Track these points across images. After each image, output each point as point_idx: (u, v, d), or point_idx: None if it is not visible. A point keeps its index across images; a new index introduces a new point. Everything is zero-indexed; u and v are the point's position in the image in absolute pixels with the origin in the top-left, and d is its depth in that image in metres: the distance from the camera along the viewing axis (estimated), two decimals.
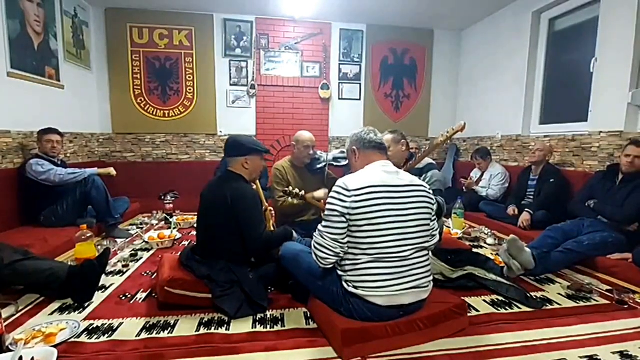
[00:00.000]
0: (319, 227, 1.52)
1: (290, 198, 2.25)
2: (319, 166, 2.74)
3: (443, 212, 2.21)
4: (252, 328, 1.62)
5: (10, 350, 1.37)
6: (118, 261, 2.45)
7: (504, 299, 1.95)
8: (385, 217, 1.42)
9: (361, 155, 1.62)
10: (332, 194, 1.48)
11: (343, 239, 1.45)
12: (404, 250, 1.45)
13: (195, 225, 3.32)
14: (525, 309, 1.85)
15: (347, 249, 1.46)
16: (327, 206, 1.48)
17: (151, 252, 2.69)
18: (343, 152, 4.77)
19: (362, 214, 1.41)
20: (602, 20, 3.08)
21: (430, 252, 1.59)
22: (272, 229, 2.20)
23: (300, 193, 2.23)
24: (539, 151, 3.24)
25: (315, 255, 1.51)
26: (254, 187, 2.07)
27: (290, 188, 2.25)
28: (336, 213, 1.43)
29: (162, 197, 3.99)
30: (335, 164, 3.40)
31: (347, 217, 1.42)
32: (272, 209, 2.45)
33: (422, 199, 1.52)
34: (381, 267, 1.43)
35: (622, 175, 2.50)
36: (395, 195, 1.46)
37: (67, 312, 1.75)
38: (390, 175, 1.51)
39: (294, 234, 2.03)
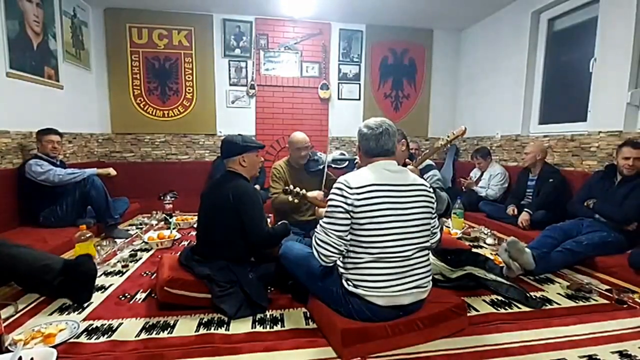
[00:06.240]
0: (321, 222, 1.50)
1: (290, 197, 2.26)
2: (318, 167, 2.74)
3: (450, 209, 2.20)
4: (252, 328, 1.62)
5: (10, 351, 1.36)
6: (117, 261, 2.45)
7: (503, 299, 1.95)
8: (387, 217, 1.42)
9: (363, 159, 1.60)
10: (334, 190, 1.47)
11: (346, 235, 1.44)
12: (406, 250, 1.45)
13: (194, 225, 3.32)
14: (524, 308, 1.85)
15: (349, 246, 1.46)
16: (330, 202, 1.47)
17: (151, 253, 2.69)
18: (343, 154, 4.80)
19: (364, 212, 1.41)
20: (601, 20, 3.08)
21: (430, 252, 1.59)
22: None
23: (302, 192, 2.23)
24: (527, 154, 3.28)
25: (317, 252, 1.49)
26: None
27: (292, 186, 2.25)
28: (340, 209, 1.42)
29: (162, 197, 4.00)
30: (334, 165, 3.37)
31: (351, 214, 1.41)
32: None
33: (423, 198, 1.51)
34: (382, 267, 1.43)
35: (620, 176, 2.50)
36: (397, 194, 1.45)
37: (66, 313, 1.75)
38: (393, 174, 1.50)
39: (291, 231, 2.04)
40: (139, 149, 4.70)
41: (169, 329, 1.61)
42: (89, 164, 3.81)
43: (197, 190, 2.04)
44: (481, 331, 1.61)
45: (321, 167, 2.73)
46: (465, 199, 3.64)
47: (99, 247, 2.50)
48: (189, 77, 4.66)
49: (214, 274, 1.76)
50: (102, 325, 1.64)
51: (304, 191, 2.24)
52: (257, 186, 3.77)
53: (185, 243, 2.94)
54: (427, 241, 1.53)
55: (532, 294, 2.01)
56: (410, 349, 1.46)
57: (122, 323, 1.66)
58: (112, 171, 3.15)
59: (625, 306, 1.88)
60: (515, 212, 3.18)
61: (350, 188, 1.42)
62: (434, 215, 1.59)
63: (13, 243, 1.96)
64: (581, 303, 1.94)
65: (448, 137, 2.18)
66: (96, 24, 4.40)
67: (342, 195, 1.43)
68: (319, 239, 1.48)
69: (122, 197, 3.50)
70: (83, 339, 1.51)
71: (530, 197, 3.28)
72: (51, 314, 1.74)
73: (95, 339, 1.52)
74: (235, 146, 1.93)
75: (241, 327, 1.63)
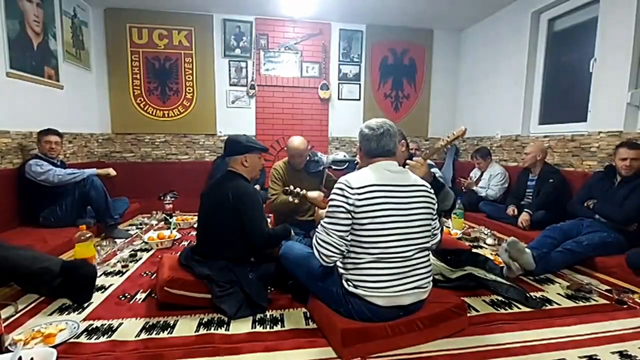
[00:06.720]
0: (322, 222, 1.50)
1: (291, 197, 2.26)
2: (318, 169, 2.75)
3: (455, 206, 2.21)
4: (252, 328, 1.62)
5: (10, 351, 1.36)
6: (117, 261, 2.45)
7: (503, 299, 1.95)
8: (388, 217, 1.42)
9: (364, 159, 1.60)
10: (335, 190, 1.48)
11: (347, 235, 1.45)
12: (407, 251, 1.45)
13: (195, 225, 3.32)
14: (524, 309, 1.85)
15: (349, 246, 1.47)
16: (331, 203, 1.47)
17: (151, 253, 2.69)
18: (345, 155, 4.79)
19: (365, 212, 1.41)
20: (601, 20, 3.08)
21: (430, 252, 1.59)
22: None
23: (302, 192, 2.24)
24: (527, 154, 3.29)
25: (318, 252, 1.49)
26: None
27: (292, 187, 2.26)
28: (342, 209, 1.42)
29: (162, 198, 3.99)
30: (334, 167, 3.35)
31: (352, 214, 1.41)
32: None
33: (424, 198, 1.51)
34: (383, 267, 1.43)
35: (620, 176, 2.50)
36: (398, 195, 1.45)
37: (66, 313, 1.75)
38: (393, 174, 1.50)
39: (292, 232, 2.04)
40: (139, 149, 4.69)
41: (169, 329, 1.61)
42: (89, 164, 3.81)
43: (197, 190, 2.04)
44: (481, 331, 1.61)
45: (321, 168, 2.74)
46: (465, 199, 3.64)
47: (99, 247, 2.50)
48: (189, 77, 4.66)
49: (214, 274, 1.76)
50: (102, 325, 1.64)
51: (304, 191, 2.25)
52: (257, 186, 3.77)
53: (185, 243, 2.94)
54: (428, 242, 1.53)
55: (532, 294, 2.01)
56: (410, 349, 1.46)
57: (122, 323, 1.66)
58: (111, 171, 3.15)
59: (625, 306, 1.88)
60: (515, 213, 3.18)
61: (352, 188, 1.42)
62: (434, 216, 1.59)
63: (11, 245, 1.96)
64: (581, 303, 1.94)
65: (448, 137, 2.19)
66: (96, 24, 4.39)
67: (344, 195, 1.43)
68: (320, 239, 1.48)
69: (122, 197, 3.50)
70: (83, 339, 1.51)
71: (530, 198, 3.27)
72: (51, 314, 1.74)
73: (95, 339, 1.52)
74: (238, 145, 1.93)
75: (241, 327, 1.63)
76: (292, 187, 2.26)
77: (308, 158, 2.72)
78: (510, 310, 1.83)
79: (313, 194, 2.49)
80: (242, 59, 4.74)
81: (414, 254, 1.46)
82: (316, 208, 2.38)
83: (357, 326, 1.43)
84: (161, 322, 1.66)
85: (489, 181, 3.84)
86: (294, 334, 1.58)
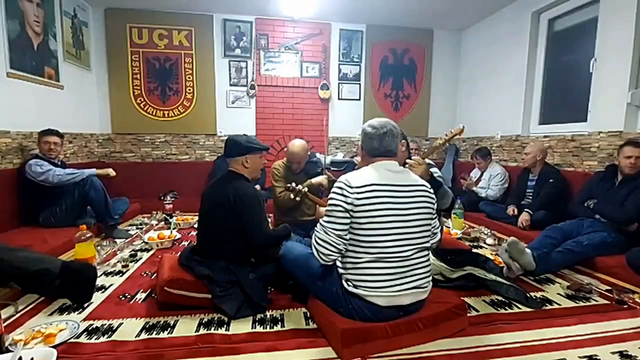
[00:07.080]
0: (321, 221, 1.50)
1: (292, 194, 2.27)
2: (317, 170, 2.76)
3: (454, 204, 2.22)
4: (252, 328, 1.62)
5: (10, 351, 1.36)
6: (118, 261, 2.45)
7: (503, 299, 1.95)
8: (388, 217, 1.42)
9: (365, 158, 1.60)
10: (334, 189, 1.48)
11: (346, 235, 1.45)
12: (405, 251, 1.45)
13: (195, 226, 3.32)
14: (525, 309, 1.85)
15: (348, 246, 1.47)
16: (330, 202, 1.47)
17: (151, 253, 2.69)
18: (343, 156, 4.80)
19: (364, 211, 1.41)
20: (601, 20, 3.08)
21: (430, 252, 1.59)
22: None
23: (303, 190, 2.24)
24: (527, 154, 3.28)
25: (317, 251, 1.49)
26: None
27: (294, 184, 2.27)
28: (340, 208, 1.42)
29: (162, 198, 4.00)
30: (333, 168, 3.37)
31: (351, 213, 1.41)
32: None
33: (424, 198, 1.51)
34: (382, 267, 1.43)
35: (621, 176, 2.51)
36: (398, 194, 1.45)
37: (66, 313, 1.75)
38: (394, 174, 1.50)
39: (292, 232, 2.04)
40: (139, 149, 4.69)
41: (169, 329, 1.61)
42: (89, 164, 3.81)
43: (197, 190, 2.04)
44: (481, 331, 1.61)
45: (320, 170, 2.75)
46: (465, 199, 3.64)
47: (99, 247, 2.50)
48: (189, 77, 4.66)
49: (214, 274, 1.76)
50: (102, 325, 1.64)
51: (305, 189, 2.26)
52: (257, 186, 3.77)
53: (185, 243, 2.94)
54: (428, 241, 1.53)
55: (532, 294, 2.01)
56: (410, 349, 1.46)
57: (122, 323, 1.66)
58: (111, 172, 3.14)
59: (625, 306, 1.88)
60: (516, 213, 3.18)
61: (351, 187, 1.43)
62: (434, 216, 1.59)
63: (10, 247, 1.93)
64: (581, 303, 1.94)
65: (446, 135, 2.19)
66: (96, 24, 4.40)
67: (343, 195, 1.43)
68: (318, 238, 1.48)
69: (123, 197, 3.50)
70: (83, 339, 1.51)
71: (531, 198, 3.27)
72: (51, 314, 1.74)
73: (95, 339, 1.52)
74: (238, 146, 1.92)
75: (241, 327, 1.63)
76: (293, 185, 2.27)
77: (307, 158, 2.73)
78: (510, 310, 1.83)
79: (317, 179, 2.51)
80: (242, 59, 4.74)
81: (412, 254, 1.46)
82: (317, 206, 2.38)
83: (357, 326, 1.44)
84: (161, 322, 1.66)
85: (489, 181, 3.84)
86: (294, 334, 1.58)
